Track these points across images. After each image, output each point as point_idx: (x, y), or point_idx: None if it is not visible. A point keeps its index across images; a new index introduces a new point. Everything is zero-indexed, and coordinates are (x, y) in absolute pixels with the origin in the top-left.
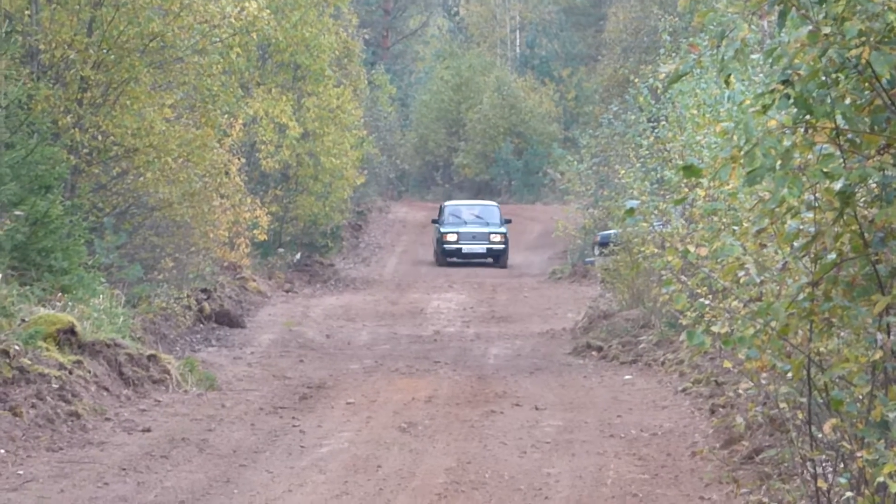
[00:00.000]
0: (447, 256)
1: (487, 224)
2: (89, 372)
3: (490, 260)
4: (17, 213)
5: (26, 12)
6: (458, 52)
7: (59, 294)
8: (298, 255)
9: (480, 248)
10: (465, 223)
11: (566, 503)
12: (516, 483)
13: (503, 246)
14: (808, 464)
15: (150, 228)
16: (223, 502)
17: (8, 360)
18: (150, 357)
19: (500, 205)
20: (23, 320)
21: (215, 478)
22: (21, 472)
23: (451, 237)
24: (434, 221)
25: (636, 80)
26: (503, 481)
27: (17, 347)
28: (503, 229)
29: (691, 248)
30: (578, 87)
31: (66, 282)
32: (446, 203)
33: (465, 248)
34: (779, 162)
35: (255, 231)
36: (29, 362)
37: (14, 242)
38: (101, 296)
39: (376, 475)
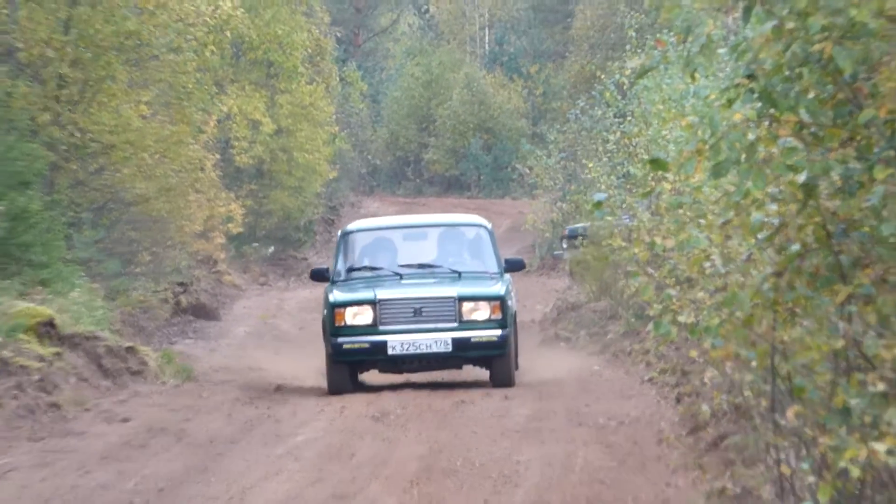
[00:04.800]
0: (352, 369)
1: (455, 278)
2: (69, 364)
3: (465, 365)
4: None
5: (3, 11)
6: (428, 50)
7: (39, 288)
8: (272, 249)
9: (437, 341)
10: (401, 279)
11: (535, 490)
12: (487, 470)
13: (501, 331)
14: (772, 450)
15: (127, 223)
16: (201, 490)
17: None
18: (128, 349)
19: (470, 199)
20: (3, 314)
21: (193, 466)
22: (3, 462)
23: (362, 317)
24: (318, 276)
25: (603, 76)
26: (474, 468)
27: None
28: (497, 289)
29: (658, 240)
30: (546, 83)
31: (46, 276)
32: (352, 226)
33: (400, 346)
34: (743, 155)
35: (229, 225)
36: (10, 354)
37: None
38: (79, 289)
39: (350, 463)
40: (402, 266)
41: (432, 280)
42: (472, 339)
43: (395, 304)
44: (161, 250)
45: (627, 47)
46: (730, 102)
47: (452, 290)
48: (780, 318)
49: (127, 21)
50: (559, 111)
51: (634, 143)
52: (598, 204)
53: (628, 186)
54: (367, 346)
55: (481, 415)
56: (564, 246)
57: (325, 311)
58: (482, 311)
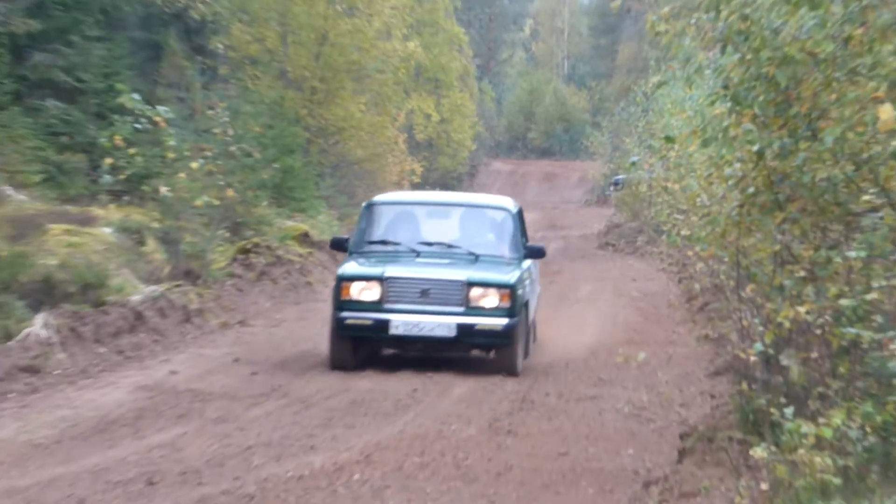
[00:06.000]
0: (353, 345)
1: (471, 261)
2: (317, 258)
3: (471, 351)
4: (275, 166)
5: (280, 49)
6: (530, 72)
7: (299, 214)
8: (438, 190)
9: (441, 325)
10: (416, 256)
11: (596, 333)
12: (568, 321)
13: (507, 320)
14: (736, 312)
15: (351, 175)
16: None
17: (270, 251)
18: None
19: (555, 161)
20: (279, 228)
21: None
22: (278, 316)
23: (369, 293)
24: (337, 245)
25: (635, 88)
26: (560, 319)
27: (275, 244)
28: (509, 276)
29: (668, 185)
30: (601, 92)
31: (303, 206)
32: (378, 198)
33: (403, 326)
34: (720, 134)
35: (412, 177)
36: (282, 252)
37: (273, 183)
38: (323, 214)
39: None
40: (421, 243)
41: (446, 261)
42: (477, 326)
43: (402, 283)
44: (371, 191)
45: (650, 70)
46: (712, 103)
47: (462, 274)
48: (742, 232)
49: (352, 54)
50: (608, 109)
51: (654, 127)
52: (633, 164)
53: (650, 153)
54: (369, 322)
55: (564, 287)
56: (612, 189)
57: (335, 285)
58: (490, 298)
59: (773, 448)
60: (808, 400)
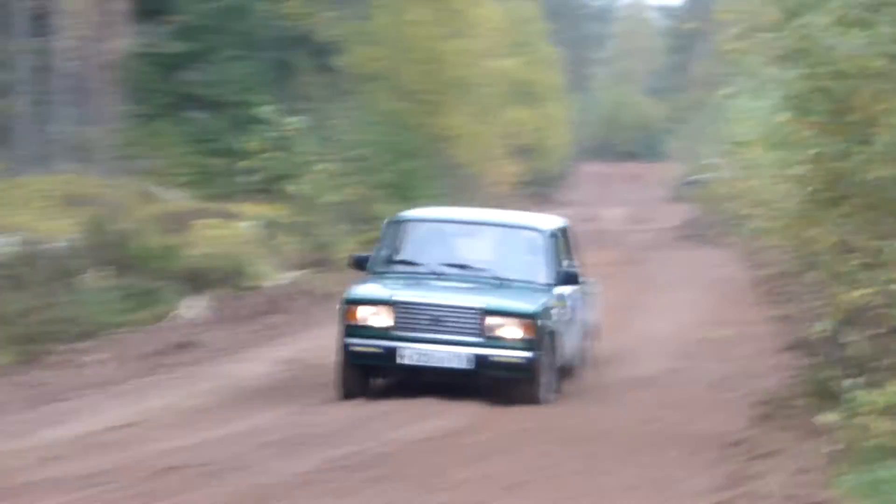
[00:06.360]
0: (362, 375)
1: (495, 286)
2: None
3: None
4: (391, 168)
5: (395, 66)
6: (614, 86)
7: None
8: (534, 190)
9: (454, 356)
10: (432, 278)
11: (679, 315)
12: (656, 306)
13: (530, 353)
14: (801, 295)
15: (459, 177)
16: None
17: None
18: None
19: (636, 164)
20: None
21: None
22: None
23: (377, 318)
24: (358, 263)
25: (707, 99)
26: (648, 303)
27: None
28: (532, 305)
29: (738, 185)
30: (677, 103)
31: (419, 204)
32: (404, 214)
33: (412, 356)
34: (783, 139)
35: (511, 177)
36: None
37: (391, 183)
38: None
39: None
40: (446, 265)
41: (467, 285)
42: (494, 358)
43: (412, 309)
44: (475, 190)
45: (720, 83)
46: (776, 112)
47: (479, 301)
48: (805, 225)
49: (459, 71)
50: (684, 118)
51: (724, 134)
52: (707, 165)
53: (721, 156)
54: (377, 351)
55: (648, 274)
56: (688, 187)
57: (341, 308)
58: (509, 329)
59: (840, 414)
60: (866, 373)
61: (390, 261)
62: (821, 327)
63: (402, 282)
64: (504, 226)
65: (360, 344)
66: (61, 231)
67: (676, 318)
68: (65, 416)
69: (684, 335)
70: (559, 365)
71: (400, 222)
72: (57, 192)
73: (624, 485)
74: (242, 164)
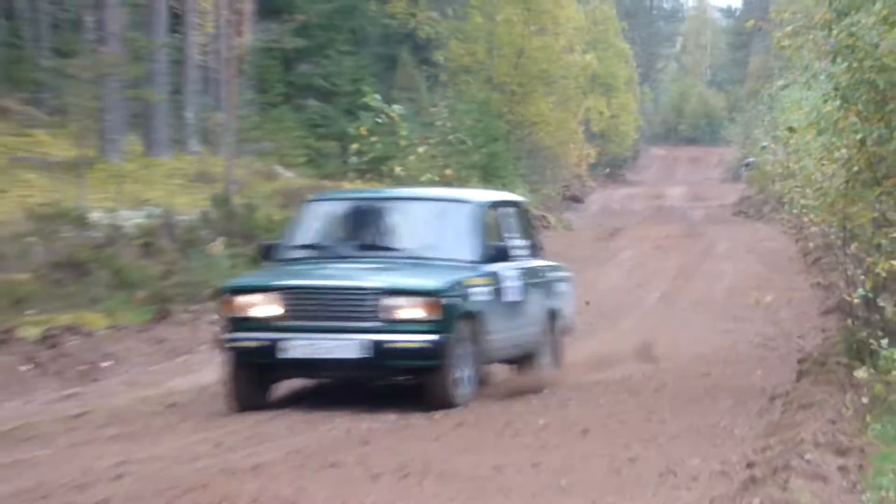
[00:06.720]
0: (262, 375)
1: (409, 265)
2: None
3: (392, 377)
4: (483, 150)
5: (487, 61)
6: (680, 78)
7: (501, 186)
8: (608, 170)
9: (344, 345)
10: (340, 262)
11: (731, 281)
12: (709, 272)
13: (435, 336)
14: (842, 265)
15: (541, 157)
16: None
17: None
18: (541, 216)
19: (699, 146)
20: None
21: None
22: None
23: (259, 309)
24: (266, 251)
25: (763, 90)
26: (705, 271)
27: None
28: (437, 281)
29: (790, 165)
30: (736, 93)
31: (505, 182)
32: (315, 195)
33: (294, 349)
34: (831, 126)
35: (588, 159)
36: None
37: (482, 164)
38: (519, 188)
39: (645, 269)
40: (358, 246)
41: (370, 266)
42: (391, 344)
43: (299, 295)
44: (556, 170)
45: (775, 76)
46: (825, 101)
47: (375, 281)
48: (848, 202)
49: (543, 65)
50: (742, 107)
51: (777, 121)
52: (762, 149)
53: (774, 141)
54: (254, 345)
55: (705, 245)
56: (744, 169)
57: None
58: (410, 310)
59: (873, 371)
60: None
61: (296, 246)
62: (859, 293)
63: (299, 267)
64: (426, 199)
65: (236, 338)
66: (192, 205)
67: (730, 283)
68: (190, 367)
69: (736, 299)
70: (493, 356)
71: (310, 203)
72: (189, 170)
73: (682, 429)
74: (352, 146)
